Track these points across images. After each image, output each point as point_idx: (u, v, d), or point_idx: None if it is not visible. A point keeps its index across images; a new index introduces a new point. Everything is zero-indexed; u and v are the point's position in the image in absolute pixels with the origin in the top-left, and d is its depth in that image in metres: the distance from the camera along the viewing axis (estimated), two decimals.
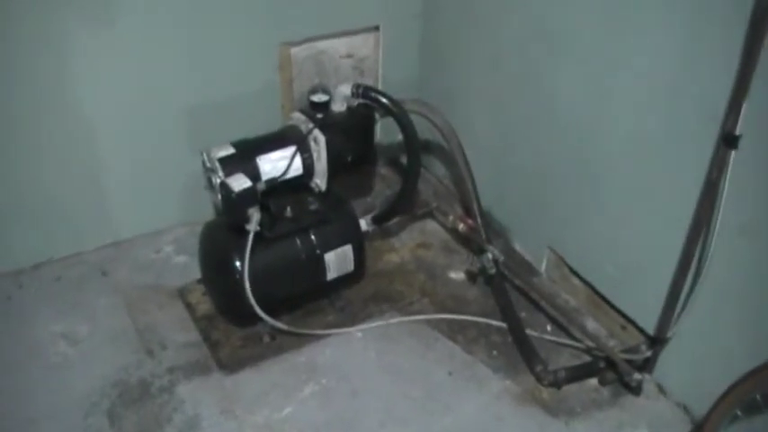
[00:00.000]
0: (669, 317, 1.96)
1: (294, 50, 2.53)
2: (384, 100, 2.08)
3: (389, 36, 2.73)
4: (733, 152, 1.62)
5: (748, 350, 1.71)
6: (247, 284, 1.98)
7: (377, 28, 2.69)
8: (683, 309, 1.91)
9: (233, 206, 1.94)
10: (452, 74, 2.70)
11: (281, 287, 2.16)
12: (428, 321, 2.29)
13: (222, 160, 2.01)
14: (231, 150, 2.04)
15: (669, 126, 1.83)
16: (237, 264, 2.01)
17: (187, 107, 2.42)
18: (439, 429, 1.96)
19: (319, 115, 2.14)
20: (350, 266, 2.26)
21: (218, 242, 2.14)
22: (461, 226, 2.33)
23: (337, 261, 2.22)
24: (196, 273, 2.34)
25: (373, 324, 2.27)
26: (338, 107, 2.18)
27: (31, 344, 2.14)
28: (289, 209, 2.15)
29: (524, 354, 2.15)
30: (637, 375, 2.00)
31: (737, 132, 1.60)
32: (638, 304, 2.12)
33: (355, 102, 2.15)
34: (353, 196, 2.62)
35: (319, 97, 2.16)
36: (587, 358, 2.16)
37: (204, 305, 2.30)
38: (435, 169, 2.94)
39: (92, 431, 1.89)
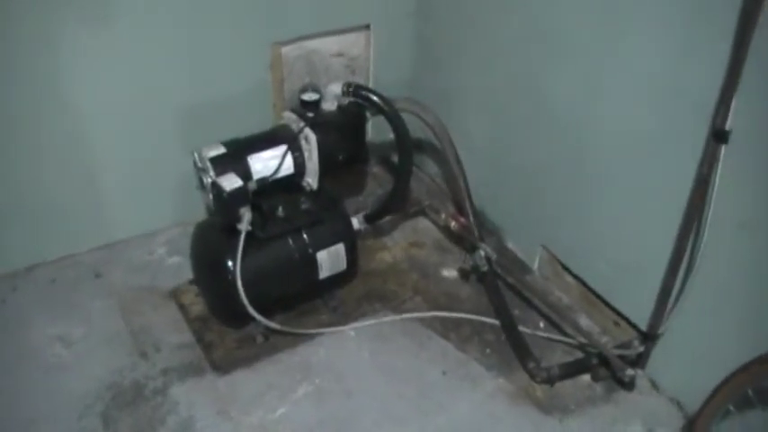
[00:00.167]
0: (661, 313, 1.96)
1: (285, 49, 2.52)
2: (375, 98, 2.08)
3: (381, 35, 2.73)
4: (723, 147, 1.63)
5: (740, 345, 1.71)
6: (240, 284, 1.97)
7: (368, 27, 2.69)
8: (675, 305, 1.91)
9: (224, 206, 1.94)
10: (446, 73, 2.70)
11: (274, 287, 2.16)
12: (421, 320, 2.29)
13: (213, 160, 2.00)
14: (222, 150, 2.04)
15: (660, 123, 1.84)
16: (230, 264, 2.01)
17: (179, 107, 2.41)
18: (433, 428, 1.96)
19: (310, 114, 2.14)
20: (342, 265, 2.26)
21: (211, 242, 2.14)
22: (454, 224, 2.33)
23: (330, 260, 2.21)
24: (189, 273, 2.34)
25: (366, 323, 2.27)
26: (329, 106, 2.18)
27: (25, 346, 2.13)
28: (281, 208, 2.15)
29: (517, 351, 2.16)
30: (630, 371, 2.01)
31: (728, 128, 1.60)
32: (630, 301, 2.12)
33: (346, 100, 2.15)
34: (345, 195, 2.62)
35: (310, 96, 2.16)
36: (580, 355, 2.17)
37: (197, 306, 2.30)
38: (427, 167, 2.94)
39: None
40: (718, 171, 1.66)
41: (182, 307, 2.30)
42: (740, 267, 1.75)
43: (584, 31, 2.01)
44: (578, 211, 2.22)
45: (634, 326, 2.11)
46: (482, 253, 2.24)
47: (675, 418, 1.99)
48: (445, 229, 2.49)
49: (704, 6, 1.64)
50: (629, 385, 2.05)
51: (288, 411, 1.98)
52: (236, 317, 2.13)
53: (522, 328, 2.21)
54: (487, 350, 2.20)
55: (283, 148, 2.09)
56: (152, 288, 2.38)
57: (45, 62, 2.12)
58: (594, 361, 2.09)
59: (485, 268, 2.27)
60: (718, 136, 1.63)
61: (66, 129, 2.26)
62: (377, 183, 2.96)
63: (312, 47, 2.59)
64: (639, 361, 2.08)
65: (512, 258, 2.55)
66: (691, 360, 1.97)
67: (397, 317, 2.29)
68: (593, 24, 1.98)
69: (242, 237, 1.96)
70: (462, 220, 2.35)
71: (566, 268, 2.34)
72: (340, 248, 2.23)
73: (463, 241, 2.52)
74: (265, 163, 2.07)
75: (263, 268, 2.10)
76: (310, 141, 2.10)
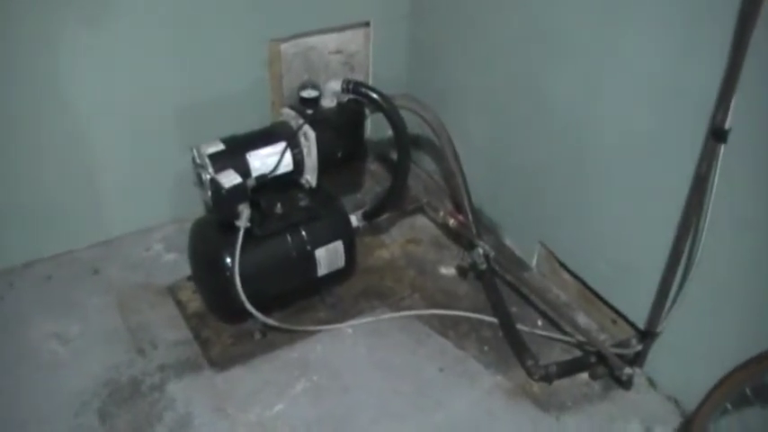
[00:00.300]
0: (659, 311, 1.96)
1: (283, 46, 2.52)
2: (374, 95, 2.07)
3: (380, 32, 2.72)
4: (722, 146, 1.63)
5: (738, 344, 1.71)
6: (238, 281, 1.97)
7: (367, 24, 2.69)
8: (673, 303, 1.92)
9: (223, 202, 1.94)
10: (444, 71, 2.69)
11: (272, 284, 2.16)
12: (419, 317, 2.29)
13: (212, 156, 2.00)
14: (221, 146, 2.03)
15: (660, 122, 1.84)
16: (228, 261, 2.01)
17: (177, 104, 2.41)
18: (431, 425, 1.96)
19: (309, 111, 2.14)
20: (340, 262, 2.26)
21: (208, 239, 2.14)
22: (452, 221, 2.33)
23: (328, 257, 2.21)
24: (186, 270, 2.33)
25: (364, 320, 2.27)
26: (328, 103, 2.18)
27: (22, 343, 2.13)
28: (279, 205, 2.15)
29: (515, 349, 2.16)
30: (627, 369, 2.01)
31: (727, 127, 1.60)
32: (628, 299, 2.13)
33: (345, 97, 2.15)
34: (343, 192, 2.62)
35: (309, 93, 2.16)
36: (578, 353, 2.17)
37: (195, 303, 2.29)
38: (425, 165, 2.94)
39: (82, 430, 1.88)
40: (717, 170, 1.66)
41: (179, 303, 2.30)
42: (738, 266, 1.75)
43: (584, 31, 2.01)
44: (577, 209, 2.22)
45: (632, 324, 2.11)
46: (480, 251, 2.24)
47: (673, 416, 2.00)
48: (443, 227, 2.49)
49: (704, 6, 1.64)
50: (626, 383, 2.05)
51: (285, 408, 1.98)
52: (233, 313, 2.13)
53: (520, 326, 2.21)
54: (485, 347, 2.20)
55: (282, 145, 2.08)
56: (149, 285, 2.38)
57: (45, 62, 2.12)
58: (592, 359, 2.09)
59: (483, 266, 2.27)
60: (717, 135, 1.63)
61: (66, 128, 2.26)
62: (375, 180, 2.96)
63: (310, 44, 2.59)
64: (637, 359, 2.08)
65: (509, 256, 2.55)
66: (688, 358, 1.97)
67: (395, 314, 2.29)
68: (593, 24, 1.98)
69: (240, 233, 1.96)
70: (460, 217, 2.35)
71: (563, 266, 2.35)
72: (338, 246, 2.22)
73: (461, 238, 2.52)
74: (264, 160, 2.06)
75: (262, 265, 2.10)
76: (309, 138, 2.10)
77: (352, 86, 2.09)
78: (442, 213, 2.38)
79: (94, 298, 2.31)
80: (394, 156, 2.24)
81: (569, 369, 2.10)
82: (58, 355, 2.10)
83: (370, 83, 2.70)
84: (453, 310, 2.31)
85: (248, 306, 2.00)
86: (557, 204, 2.30)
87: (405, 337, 2.23)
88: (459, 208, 2.45)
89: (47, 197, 2.34)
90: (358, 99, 2.12)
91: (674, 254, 1.87)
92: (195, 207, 2.45)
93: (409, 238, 2.68)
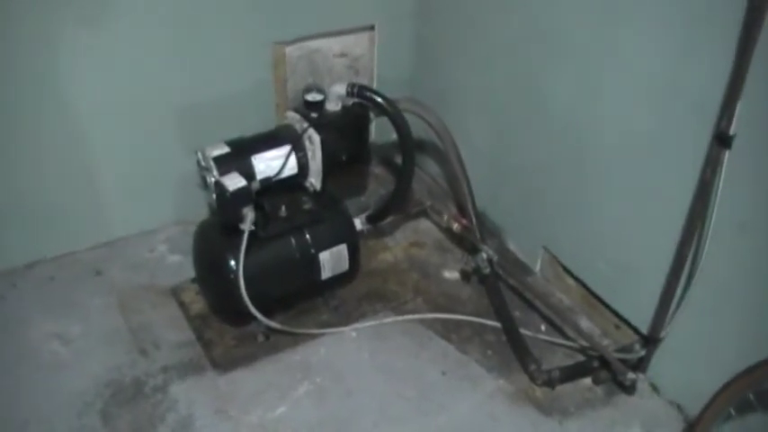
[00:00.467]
0: (663, 316, 1.96)
1: (288, 49, 2.52)
2: (379, 99, 2.08)
3: (384, 35, 2.73)
4: (727, 152, 1.63)
5: (741, 349, 1.71)
6: (242, 284, 1.97)
7: (372, 27, 2.69)
8: (676, 308, 1.91)
9: (227, 205, 1.94)
10: (447, 73, 2.70)
11: (276, 286, 2.16)
12: (422, 321, 2.29)
13: (217, 159, 2.00)
14: (226, 149, 2.03)
15: (663, 126, 1.84)
16: (232, 263, 2.01)
17: (181, 106, 2.41)
18: (433, 429, 1.96)
19: (314, 114, 2.14)
20: (344, 266, 2.26)
21: (213, 241, 2.14)
22: (456, 225, 2.33)
23: (332, 260, 2.21)
24: (190, 272, 2.33)
25: (367, 323, 2.27)
26: (333, 106, 2.18)
27: (24, 344, 2.13)
28: (283, 208, 2.15)
29: (518, 353, 2.16)
30: (630, 375, 2.01)
31: (731, 132, 1.60)
32: (632, 304, 2.12)
33: (350, 101, 2.15)
34: (347, 195, 2.62)
35: (314, 96, 2.16)
36: (581, 358, 2.17)
37: (198, 304, 2.29)
38: (429, 168, 2.94)
39: (85, 431, 1.88)
40: (722, 175, 1.66)
41: (182, 305, 2.30)
42: (742, 271, 1.75)
43: (584, 31, 2.01)
44: (578, 211, 2.22)
45: (635, 329, 2.11)
46: (484, 255, 2.24)
47: (676, 422, 2.00)
48: (447, 230, 2.49)
49: (704, 6, 1.64)
50: (629, 389, 2.05)
51: (288, 410, 1.97)
52: (237, 316, 2.13)
53: (523, 331, 2.21)
54: (488, 351, 2.20)
55: (287, 148, 2.09)
56: (152, 286, 2.38)
57: (45, 62, 2.12)
58: (595, 364, 2.09)
59: (486, 270, 2.27)
60: (722, 140, 1.63)
61: (66, 128, 2.26)
62: (379, 183, 2.96)
63: (315, 47, 2.59)
64: (640, 364, 2.08)
65: (513, 260, 2.55)
66: (691, 364, 1.97)
67: (398, 318, 2.29)
68: (593, 24, 1.98)
69: (244, 236, 1.96)
70: (464, 221, 2.35)
71: (567, 270, 2.35)
72: (342, 249, 2.23)
73: (464, 242, 2.52)
74: (269, 163, 2.07)
75: (265, 268, 2.10)
76: (314, 142, 2.10)
77: (357, 90, 2.10)
78: (445, 217, 2.38)
79: (97, 299, 2.31)
80: (398, 159, 2.25)
81: (572, 374, 2.10)
82: (60, 356, 2.10)
83: (375, 86, 2.71)
84: (456, 314, 2.31)
85: (252, 309, 2.00)
86: (557, 204, 2.30)
87: (407, 340, 2.23)
88: (462, 212, 2.45)
89: (47, 197, 2.34)
90: (363, 103, 2.13)
91: (677, 259, 1.87)
92: (200, 209, 2.46)
93: (413, 241, 2.68)
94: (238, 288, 1.97)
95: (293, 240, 2.15)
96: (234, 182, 1.93)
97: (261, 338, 2.18)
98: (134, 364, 2.08)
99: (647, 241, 2.00)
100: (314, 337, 2.20)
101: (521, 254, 2.56)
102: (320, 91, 2.17)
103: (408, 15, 2.75)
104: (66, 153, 2.30)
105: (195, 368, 2.08)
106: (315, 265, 2.19)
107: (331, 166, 2.15)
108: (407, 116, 2.13)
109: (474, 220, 2.36)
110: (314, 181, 2.18)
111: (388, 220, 2.49)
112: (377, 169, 3.03)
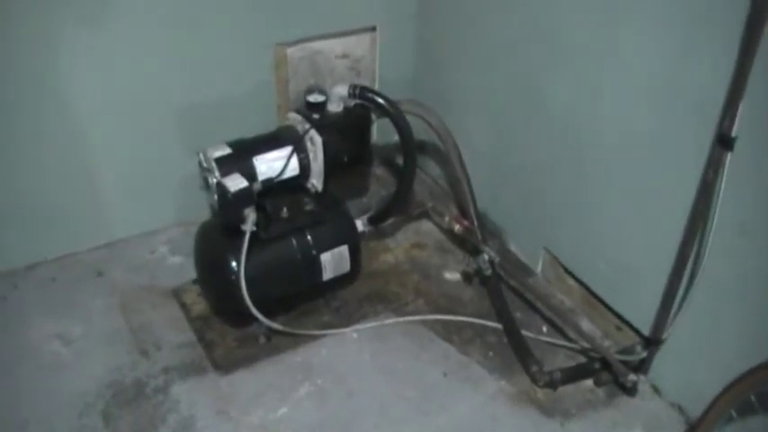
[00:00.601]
0: (664, 318, 1.96)
1: (290, 51, 2.52)
2: (381, 101, 2.08)
3: (386, 36, 2.73)
4: (729, 153, 1.63)
5: (743, 351, 1.71)
6: (243, 285, 1.97)
7: (373, 28, 2.69)
8: (678, 310, 1.91)
9: (229, 206, 1.94)
10: (448, 74, 2.70)
11: (277, 287, 2.15)
12: (423, 322, 2.29)
13: (218, 160, 2.00)
14: (227, 150, 2.03)
15: (665, 127, 1.84)
16: (233, 264, 2.01)
17: (182, 107, 2.41)
18: (434, 430, 1.95)
19: (315, 116, 2.14)
20: (346, 267, 2.26)
21: (214, 243, 2.14)
22: (457, 227, 2.32)
23: (333, 261, 2.21)
24: (191, 273, 2.33)
25: (368, 325, 2.27)
26: (334, 108, 2.17)
27: (25, 344, 2.13)
28: (285, 209, 2.15)
29: (520, 355, 2.15)
30: (632, 376, 2.01)
31: (733, 134, 1.60)
32: (633, 305, 2.12)
33: (352, 102, 2.15)
34: (349, 197, 2.62)
35: (315, 98, 2.16)
36: (583, 359, 2.17)
37: (199, 305, 2.29)
38: (431, 170, 2.94)
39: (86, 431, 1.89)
40: (724, 177, 1.66)
41: (183, 306, 2.30)
42: (744, 273, 1.75)
43: (584, 31, 2.01)
44: (579, 212, 2.22)
45: (636, 330, 2.11)
46: (485, 256, 2.24)
47: (677, 424, 1.99)
48: (448, 232, 2.49)
49: (704, 6, 1.64)
50: (631, 390, 2.05)
51: (289, 411, 1.97)
52: (238, 317, 2.13)
53: (524, 332, 2.21)
54: (490, 353, 2.20)
55: (289, 149, 2.09)
56: (153, 287, 2.38)
57: (45, 62, 2.13)
58: (597, 365, 2.08)
59: (488, 272, 2.27)
60: (724, 142, 1.63)
61: (66, 128, 2.26)
62: (380, 184, 2.96)
63: (317, 48, 2.59)
64: (642, 366, 2.08)
65: (514, 261, 2.55)
66: (693, 365, 1.97)
67: (400, 319, 2.29)
68: (593, 24, 1.98)
69: (246, 237, 1.96)
70: (466, 222, 2.34)
71: (568, 271, 2.34)
72: (344, 250, 2.22)
73: (466, 244, 2.52)
74: (270, 164, 2.07)
75: (267, 269, 2.10)
76: (316, 143, 2.10)
77: (359, 91, 2.10)
78: (447, 218, 2.37)
79: (98, 300, 2.31)
80: (400, 161, 2.25)
81: (574, 375, 2.10)
82: (61, 357, 2.10)
83: (377, 87, 2.71)
84: (457, 316, 2.31)
85: (253, 310, 2.00)
86: (557, 205, 2.30)
87: (409, 341, 2.22)
88: (464, 213, 2.45)
89: (47, 198, 2.35)
90: (364, 104, 2.13)
91: (679, 260, 1.87)
92: (201, 210, 2.46)
93: (414, 242, 2.68)
94: (240, 289, 1.97)
95: (295, 241, 2.15)
96: (235, 183, 1.93)
97: (262, 339, 2.18)
98: (135, 365, 2.08)
99: (649, 242, 1.99)
100: (315, 338, 2.20)
101: (522, 255, 2.56)
102: (322, 92, 2.18)
103: (410, 17, 2.75)
104: (67, 153, 2.30)
105: (196, 369, 2.08)
106: (316, 266, 2.19)
107: (333, 167, 2.15)
108: (409, 117, 2.13)
109: (475, 221, 2.36)
110: (315, 182, 2.18)
111: (390, 221, 2.49)
112: (378, 170, 3.03)
